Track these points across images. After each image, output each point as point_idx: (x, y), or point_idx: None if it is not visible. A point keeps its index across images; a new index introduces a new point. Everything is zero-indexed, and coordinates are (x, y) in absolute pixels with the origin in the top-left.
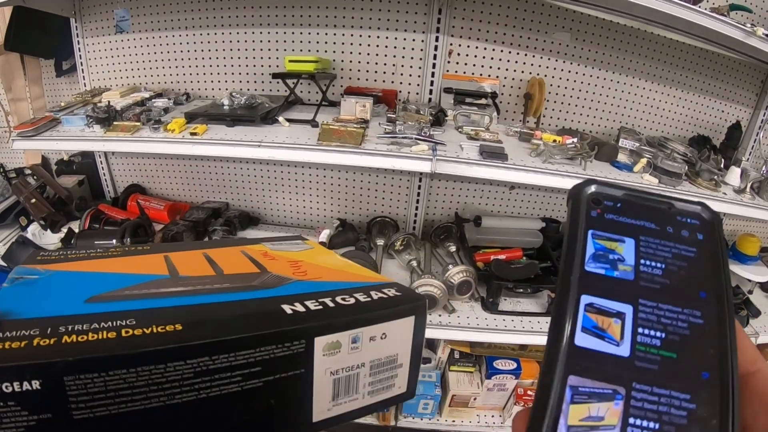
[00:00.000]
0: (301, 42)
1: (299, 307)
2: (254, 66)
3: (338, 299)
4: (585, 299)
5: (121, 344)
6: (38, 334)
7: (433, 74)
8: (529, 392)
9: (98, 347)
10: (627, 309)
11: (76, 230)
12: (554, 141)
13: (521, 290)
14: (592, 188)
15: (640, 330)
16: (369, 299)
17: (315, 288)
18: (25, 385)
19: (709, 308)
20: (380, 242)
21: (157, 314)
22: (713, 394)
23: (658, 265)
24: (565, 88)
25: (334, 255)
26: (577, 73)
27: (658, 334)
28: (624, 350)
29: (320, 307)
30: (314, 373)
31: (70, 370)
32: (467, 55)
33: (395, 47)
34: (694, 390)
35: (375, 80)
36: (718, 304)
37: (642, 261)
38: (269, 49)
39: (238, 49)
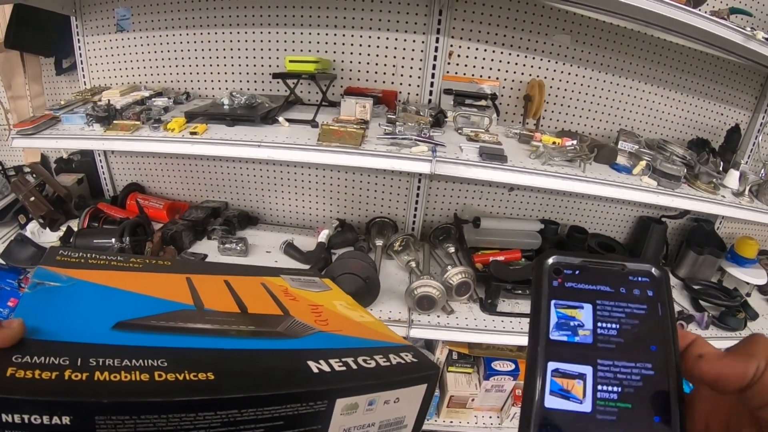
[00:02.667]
0: (301, 42)
1: (324, 366)
2: (254, 66)
3: (360, 360)
4: (551, 366)
5: (154, 390)
6: (68, 365)
7: (433, 75)
8: None
9: (132, 391)
10: (587, 370)
11: (75, 229)
12: (554, 143)
13: (520, 292)
14: (552, 260)
15: (599, 387)
16: (389, 364)
17: (337, 343)
18: (55, 420)
19: (659, 359)
20: (379, 243)
21: (188, 357)
22: None
23: (613, 326)
24: (565, 90)
25: (351, 301)
26: (576, 75)
27: (615, 389)
28: (586, 406)
29: (344, 368)
30: (329, 430)
31: (103, 410)
32: (467, 56)
33: (395, 48)
34: None
35: (375, 81)
36: (666, 355)
37: (599, 324)
38: (270, 49)
39: (239, 49)
